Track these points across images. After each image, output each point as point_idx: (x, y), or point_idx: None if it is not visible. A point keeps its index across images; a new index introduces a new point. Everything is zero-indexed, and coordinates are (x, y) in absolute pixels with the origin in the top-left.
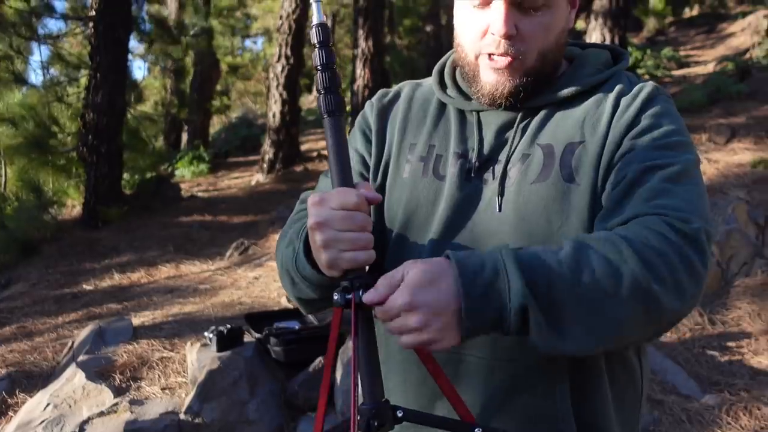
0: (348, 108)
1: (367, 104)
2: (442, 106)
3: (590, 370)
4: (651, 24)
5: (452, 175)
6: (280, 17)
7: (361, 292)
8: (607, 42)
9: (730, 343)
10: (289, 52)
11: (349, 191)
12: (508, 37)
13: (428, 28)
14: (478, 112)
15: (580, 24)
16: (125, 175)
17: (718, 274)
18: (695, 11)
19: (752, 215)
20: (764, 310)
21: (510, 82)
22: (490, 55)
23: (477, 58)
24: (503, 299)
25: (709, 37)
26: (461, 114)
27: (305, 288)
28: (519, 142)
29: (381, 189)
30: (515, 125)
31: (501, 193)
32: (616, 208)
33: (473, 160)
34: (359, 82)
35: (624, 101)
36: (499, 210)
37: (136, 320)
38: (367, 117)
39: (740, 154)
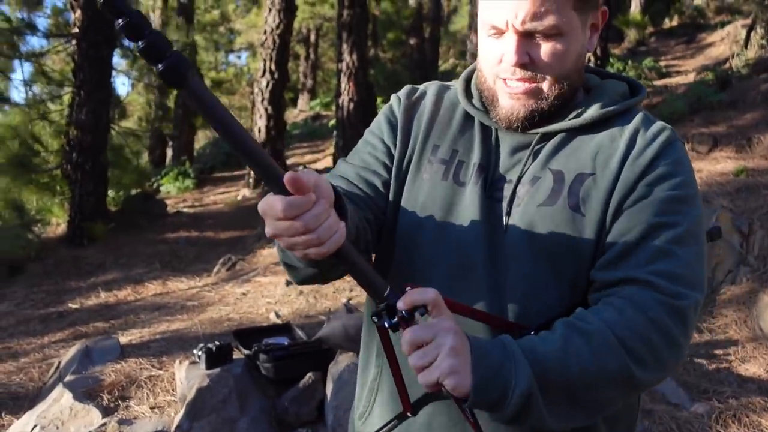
0: (333, 122)
1: (394, 98)
2: (467, 116)
3: None
4: (632, 35)
5: (473, 184)
6: (264, 32)
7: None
8: (590, 53)
9: (718, 351)
10: (273, 67)
11: (276, 201)
12: (520, 65)
13: (412, 41)
14: (496, 129)
15: None
16: (110, 192)
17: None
18: (675, 21)
19: (736, 223)
20: (750, 318)
21: (525, 107)
22: (506, 80)
23: (495, 83)
24: (509, 383)
25: (689, 47)
26: (484, 127)
27: (289, 254)
28: (531, 164)
29: (400, 185)
30: (530, 148)
31: (508, 213)
32: (617, 264)
33: (490, 177)
34: (344, 96)
35: (640, 142)
36: (506, 229)
37: (124, 338)
38: (394, 110)
39: (723, 163)
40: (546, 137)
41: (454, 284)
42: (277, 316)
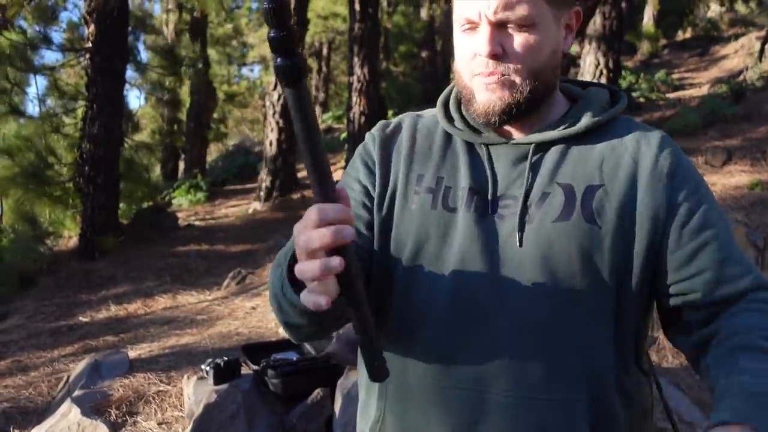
0: (344, 135)
1: (368, 135)
2: (447, 138)
3: (609, 411)
4: (645, 47)
5: (466, 208)
6: None
7: None
8: (602, 66)
9: None
10: None
11: (329, 209)
12: (493, 56)
13: (423, 54)
14: (487, 145)
15: (574, 48)
16: (122, 205)
17: None
18: (688, 34)
19: (751, 238)
20: None
21: (501, 100)
22: (481, 74)
23: (471, 80)
24: None
25: (703, 59)
26: (470, 147)
27: (292, 313)
28: (535, 178)
29: (387, 221)
30: (527, 160)
31: (521, 229)
32: (719, 284)
33: (489, 196)
34: (355, 110)
35: (647, 154)
36: (520, 245)
37: (133, 353)
38: (369, 148)
39: (737, 177)
40: (541, 148)
41: (462, 319)
42: None
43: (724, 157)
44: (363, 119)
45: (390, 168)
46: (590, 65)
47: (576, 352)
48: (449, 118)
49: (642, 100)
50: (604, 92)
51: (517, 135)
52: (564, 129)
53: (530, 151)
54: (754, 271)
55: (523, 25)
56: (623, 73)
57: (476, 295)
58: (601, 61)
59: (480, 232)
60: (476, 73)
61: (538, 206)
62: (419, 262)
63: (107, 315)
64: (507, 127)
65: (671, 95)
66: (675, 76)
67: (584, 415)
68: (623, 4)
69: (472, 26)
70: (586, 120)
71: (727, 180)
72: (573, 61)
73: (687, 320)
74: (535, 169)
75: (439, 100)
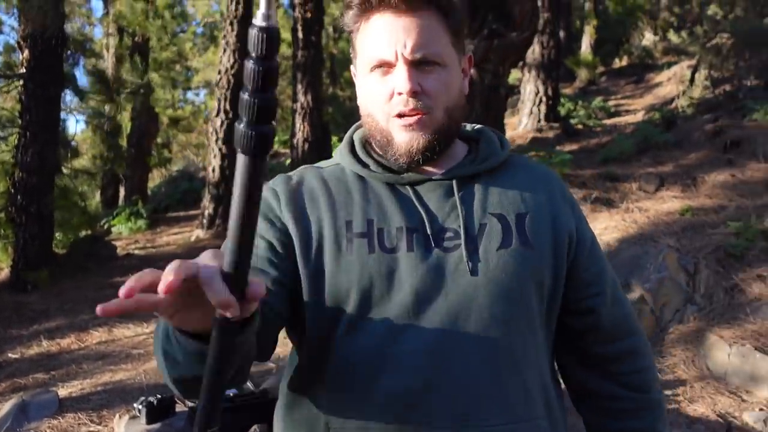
0: (288, 161)
1: (268, 189)
2: (362, 182)
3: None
4: (583, 74)
5: (407, 247)
6: (219, 72)
7: None
8: (541, 93)
9: (667, 392)
10: (228, 107)
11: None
12: (413, 93)
13: None
14: (412, 185)
15: (516, 74)
16: (57, 235)
17: (653, 321)
18: (624, 61)
19: (682, 263)
20: (698, 357)
21: (423, 137)
22: (400, 115)
23: (388, 122)
24: None
25: (638, 86)
26: (392, 188)
27: (184, 360)
28: (469, 211)
29: (317, 274)
30: (455, 194)
31: (470, 259)
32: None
33: (428, 231)
34: (299, 136)
35: (554, 185)
36: (473, 274)
37: (63, 391)
38: (270, 203)
39: (669, 202)
40: (463, 182)
41: (428, 359)
42: None
43: (657, 183)
44: (307, 146)
45: (308, 221)
46: (530, 93)
47: (535, 371)
48: (362, 163)
49: (580, 126)
50: (492, 132)
51: (436, 172)
52: (479, 165)
53: (455, 186)
54: (626, 300)
55: (437, 64)
56: (562, 100)
57: (438, 331)
58: (541, 88)
59: (429, 268)
60: (395, 113)
61: (480, 236)
62: (367, 308)
63: (38, 351)
64: (423, 167)
65: (608, 122)
66: (612, 102)
67: (549, 430)
68: (561, 33)
69: (387, 67)
70: (495, 157)
71: (660, 206)
72: (513, 89)
73: (585, 337)
74: (465, 201)
75: (341, 148)
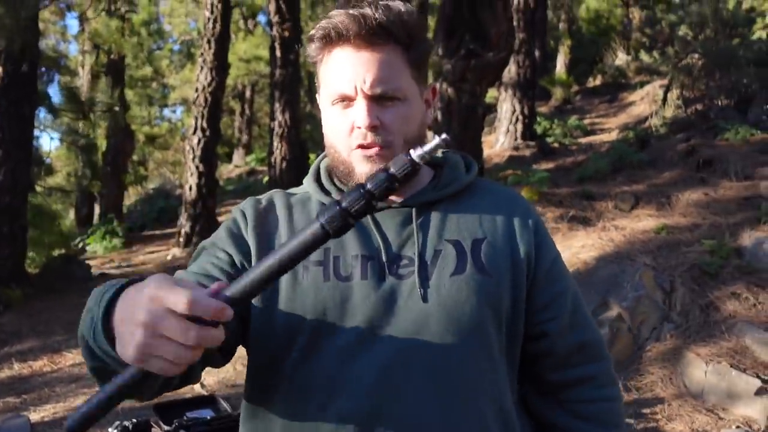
0: (266, 179)
1: (237, 211)
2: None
3: None
4: (558, 93)
5: (361, 276)
6: (196, 90)
7: None
8: (518, 112)
9: (645, 410)
10: (205, 125)
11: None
12: (372, 128)
13: None
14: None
15: (492, 93)
16: (30, 254)
17: (630, 339)
18: (598, 81)
19: (659, 281)
20: (675, 375)
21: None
22: (360, 147)
23: (349, 154)
24: None
25: (612, 105)
26: None
27: (108, 361)
28: (425, 237)
29: (272, 301)
30: (413, 222)
31: (423, 286)
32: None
33: (383, 259)
34: (276, 154)
35: (517, 211)
36: (424, 301)
37: (35, 415)
38: (239, 224)
39: (644, 221)
40: (423, 209)
41: (377, 386)
42: (202, 386)
43: (632, 201)
44: (284, 164)
45: (270, 246)
46: (507, 111)
47: (489, 397)
48: (325, 191)
49: (556, 145)
50: (459, 157)
51: (397, 199)
52: (440, 191)
53: (414, 213)
54: (588, 319)
55: (396, 98)
56: (538, 118)
57: (390, 359)
58: (517, 107)
59: (381, 296)
60: (355, 146)
61: (434, 263)
62: (320, 335)
63: (9, 374)
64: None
65: (583, 140)
66: (587, 121)
67: None
68: (537, 53)
69: (348, 101)
70: (458, 182)
71: (635, 224)
72: (490, 108)
73: (538, 362)
74: (422, 228)
75: (308, 177)
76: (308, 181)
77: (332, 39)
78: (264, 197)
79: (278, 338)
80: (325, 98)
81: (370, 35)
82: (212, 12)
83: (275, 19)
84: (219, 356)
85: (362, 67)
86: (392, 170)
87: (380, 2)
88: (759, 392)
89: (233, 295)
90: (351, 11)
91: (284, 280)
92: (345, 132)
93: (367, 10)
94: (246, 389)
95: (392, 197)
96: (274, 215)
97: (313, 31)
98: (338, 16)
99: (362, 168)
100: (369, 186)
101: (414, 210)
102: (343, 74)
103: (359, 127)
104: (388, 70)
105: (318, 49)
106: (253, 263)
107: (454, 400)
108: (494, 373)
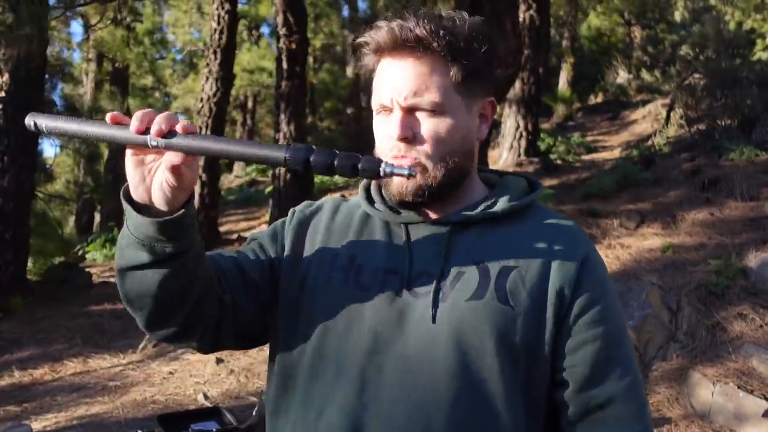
0: (270, 189)
1: (291, 211)
2: (366, 218)
3: None
4: (560, 110)
5: (379, 287)
6: (201, 99)
7: None
8: (521, 128)
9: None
10: (209, 134)
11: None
12: (403, 140)
13: (348, 110)
14: (406, 224)
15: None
16: (31, 261)
17: (636, 358)
18: (600, 98)
19: (665, 300)
20: (682, 395)
21: (412, 183)
22: (394, 158)
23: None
24: None
25: (614, 123)
26: (387, 226)
27: (143, 260)
28: (451, 257)
29: (297, 300)
30: (445, 240)
31: (435, 306)
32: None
33: (405, 274)
34: None
35: (563, 241)
36: (433, 322)
37: (37, 425)
38: (285, 220)
39: (650, 240)
40: (459, 228)
41: (358, 399)
42: (206, 398)
43: (638, 220)
44: (289, 176)
45: (303, 249)
46: (511, 128)
47: None
48: (370, 200)
49: (559, 162)
50: (521, 180)
51: (435, 216)
52: (482, 212)
53: (448, 231)
54: (630, 374)
55: (433, 111)
56: (541, 135)
57: (391, 375)
58: (521, 123)
59: (393, 311)
60: (390, 155)
61: (452, 285)
62: (329, 338)
63: (10, 382)
64: (426, 208)
65: (586, 157)
66: (589, 138)
67: None
68: (540, 70)
69: (387, 111)
70: (502, 204)
71: (641, 243)
72: (494, 124)
73: (560, 414)
74: (452, 248)
75: (361, 183)
76: (360, 186)
77: (380, 49)
78: (318, 201)
79: (299, 338)
80: (373, 106)
81: (408, 46)
82: (219, 23)
83: (282, 31)
84: (233, 325)
85: (399, 79)
86: (362, 163)
87: (430, 12)
88: (766, 414)
89: (178, 140)
90: (392, 23)
91: (311, 284)
92: (385, 141)
93: (408, 21)
94: (267, 390)
95: (431, 213)
96: (318, 217)
97: (359, 40)
98: (381, 28)
99: (394, 179)
100: (340, 156)
101: (449, 228)
102: (384, 85)
103: (392, 138)
104: (423, 83)
105: (373, 59)
106: (284, 261)
107: (438, 427)
108: (497, 410)
